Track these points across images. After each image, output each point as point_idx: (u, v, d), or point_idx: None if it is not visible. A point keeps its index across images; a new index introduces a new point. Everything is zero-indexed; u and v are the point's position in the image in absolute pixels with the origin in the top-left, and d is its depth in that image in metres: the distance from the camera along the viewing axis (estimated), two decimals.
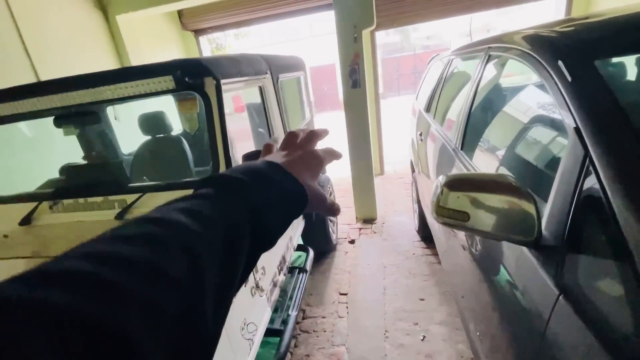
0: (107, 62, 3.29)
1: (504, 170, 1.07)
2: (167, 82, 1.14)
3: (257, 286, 1.47)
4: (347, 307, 2.23)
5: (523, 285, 0.78)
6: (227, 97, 1.33)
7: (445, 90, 2.16)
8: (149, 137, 2.13)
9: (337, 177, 4.53)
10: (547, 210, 0.74)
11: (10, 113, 1.39)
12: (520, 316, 0.78)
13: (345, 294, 2.36)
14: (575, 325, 0.59)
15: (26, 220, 1.43)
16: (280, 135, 2.01)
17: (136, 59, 3.47)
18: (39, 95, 1.30)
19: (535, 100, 1.07)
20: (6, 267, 1.21)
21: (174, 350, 0.21)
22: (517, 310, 0.79)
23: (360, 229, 3.26)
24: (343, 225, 3.34)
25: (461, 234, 1.25)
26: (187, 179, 1.56)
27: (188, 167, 1.91)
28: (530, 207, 0.69)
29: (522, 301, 0.77)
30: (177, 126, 2.48)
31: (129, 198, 1.36)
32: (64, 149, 2.04)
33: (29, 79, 2.52)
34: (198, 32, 4.72)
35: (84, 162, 1.83)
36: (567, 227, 0.66)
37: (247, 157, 1.26)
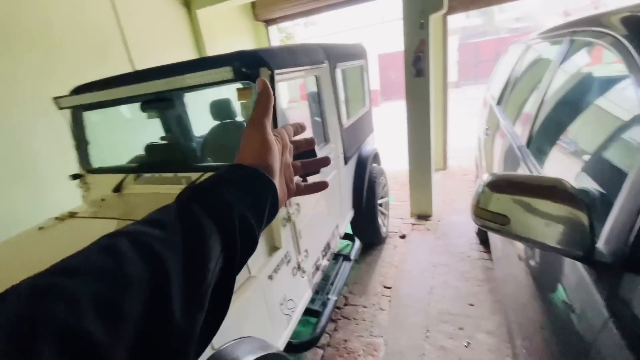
0: (188, 53, 3.67)
1: (570, 176, 0.95)
2: (227, 72, 1.24)
3: (299, 267, 1.55)
4: (389, 301, 2.21)
5: (574, 303, 0.69)
6: (285, 86, 1.40)
7: (518, 80, 1.94)
8: (217, 122, 2.34)
9: (395, 169, 4.41)
10: (609, 223, 0.64)
11: (103, 99, 1.66)
12: (567, 335, 0.71)
13: (389, 288, 2.33)
14: (621, 356, 0.52)
15: (117, 188, 1.72)
16: (332, 126, 2.04)
17: (212, 50, 3.79)
18: (123, 84, 1.53)
19: (624, 96, 0.91)
20: (100, 226, 1.48)
21: (140, 347, 0.22)
22: (565, 328, 0.71)
23: (413, 224, 3.15)
24: (395, 219, 3.27)
25: (519, 243, 1.15)
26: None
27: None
28: (583, 218, 0.61)
29: (572, 319, 0.69)
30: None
31: (195, 176, 1.53)
32: (153, 129, 2.37)
33: (127, 68, 2.94)
34: (269, 22, 4.93)
35: (161, 142, 2.10)
36: (630, 245, 0.57)
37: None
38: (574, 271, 0.70)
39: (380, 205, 2.85)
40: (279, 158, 0.42)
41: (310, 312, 1.71)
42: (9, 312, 0.18)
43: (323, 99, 1.90)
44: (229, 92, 2.30)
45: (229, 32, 4.20)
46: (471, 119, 6.76)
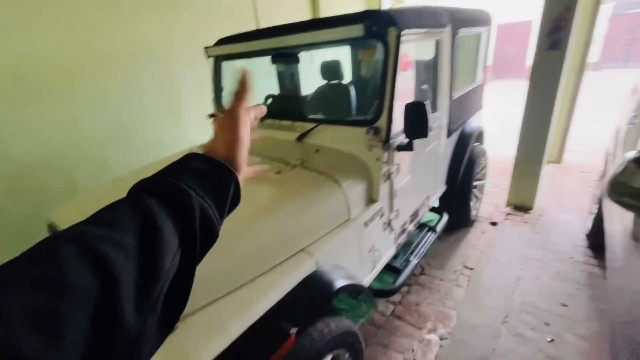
0: (304, 15, 3.85)
1: None
2: (357, 30, 1.32)
3: (389, 224, 1.66)
4: (468, 281, 2.19)
5: None
6: (406, 48, 1.43)
7: None
8: (324, 82, 2.49)
9: (495, 154, 4.04)
10: None
11: (238, 52, 1.93)
12: None
13: (471, 269, 2.29)
14: None
15: None
16: (443, 95, 1.98)
17: (326, 13, 3.90)
18: (261, 38, 1.75)
19: None
20: None
21: (89, 355, 0.21)
22: None
23: (508, 214, 2.93)
24: (488, 206, 3.08)
25: None
26: (349, 119, 1.80)
27: (350, 110, 2.17)
28: None
29: None
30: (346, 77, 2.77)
31: (307, 126, 1.72)
32: (269, 83, 2.66)
33: (252, 26, 3.27)
34: None
35: (282, 93, 2.36)
36: None
37: (408, 107, 1.36)
38: None
39: (475, 187, 2.71)
40: (248, 144, 0.44)
41: (390, 268, 1.83)
42: None
43: (439, 65, 1.86)
44: (339, 55, 2.41)
45: None
46: (606, 110, 5.59)
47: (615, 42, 11.99)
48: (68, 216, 1.35)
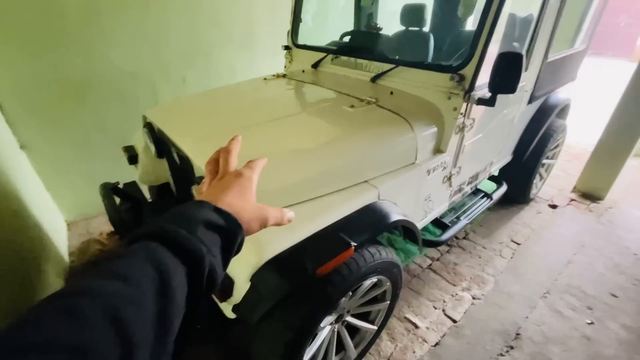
0: None
1: None
2: None
3: (449, 178, 1.65)
4: (513, 254, 2.16)
5: None
6: None
7: None
8: (402, 28, 2.34)
9: (574, 138, 3.65)
10: None
11: None
12: None
13: (518, 244, 2.25)
14: None
15: (315, 65, 2.04)
16: (537, 55, 1.80)
17: None
18: None
19: None
20: (301, 86, 1.85)
21: None
22: None
23: (572, 199, 2.75)
24: (550, 188, 2.89)
25: None
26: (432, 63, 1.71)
27: (428, 58, 2.05)
28: None
29: None
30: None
31: (385, 67, 1.68)
32: (345, 22, 2.58)
33: None
34: None
35: (362, 30, 2.29)
36: None
37: (502, 56, 1.27)
38: None
39: (543, 165, 2.54)
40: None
41: (438, 223, 1.86)
42: None
43: (542, 18, 1.66)
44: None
45: None
46: None
47: None
48: (161, 116, 1.52)
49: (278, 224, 0.46)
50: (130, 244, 0.33)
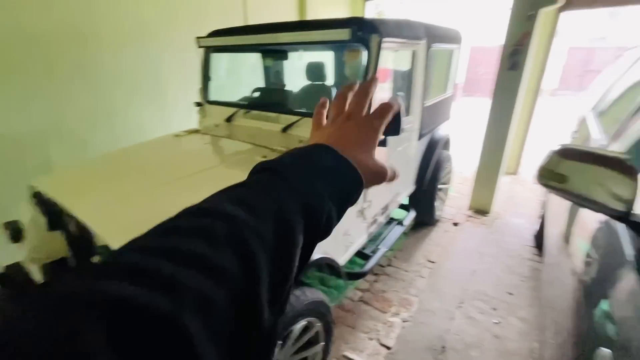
0: (291, 16, 3.99)
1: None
2: (345, 33, 1.47)
3: (362, 212, 1.82)
4: (430, 272, 2.39)
5: (615, 313, 0.76)
6: (386, 55, 1.61)
7: (620, 87, 1.88)
8: (308, 83, 2.63)
9: (462, 164, 4.37)
10: None
11: (230, 44, 2.02)
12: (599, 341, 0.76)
13: (433, 262, 2.51)
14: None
15: (229, 119, 2.12)
16: (416, 101, 2.19)
17: (312, 16, 4.07)
18: (254, 33, 1.86)
19: None
20: (215, 141, 1.89)
21: (229, 343, 0.21)
22: (600, 336, 0.77)
23: (468, 216, 3.21)
24: (451, 208, 3.34)
25: (577, 258, 1.20)
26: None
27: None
28: (632, 186, 0.75)
29: (612, 332, 0.73)
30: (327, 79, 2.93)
31: (292, 119, 1.84)
32: (255, 78, 2.76)
33: (240, 22, 3.36)
34: None
35: (270, 87, 2.47)
36: None
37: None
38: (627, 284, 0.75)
39: (440, 189, 2.96)
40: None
41: (361, 256, 1.99)
42: (104, 289, 0.17)
43: (414, 74, 2.06)
44: (323, 57, 2.57)
45: (330, 2, 4.42)
46: (559, 131, 6.19)
47: (572, 73, 13.23)
48: (54, 185, 1.38)
49: (390, 182, 0.43)
50: (253, 175, 0.33)
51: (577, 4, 3.40)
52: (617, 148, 1.30)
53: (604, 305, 0.90)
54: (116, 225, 1.04)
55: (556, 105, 10.39)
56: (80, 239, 1.21)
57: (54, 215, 1.31)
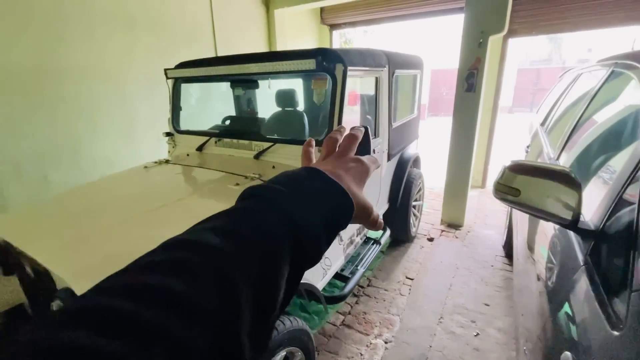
0: (260, 46, 4.11)
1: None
2: (310, 63, 1.55)
3: (338, 234, 1.83)
4: (409, 289, 2.41)
5: (576, 315, 0.80)
6: (352, 82, 1.69)
7: (562, 104, 2.07)
8: (279, 109, 2.69)
9: (433, 180, 4.54)
10: (594, 204, 0.85)
11: (199, 75, 2.05)
12: (563, 338, 0.81)
13: (412, 279, 2.54)
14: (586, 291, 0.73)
15: (200, 148, 2.11)
16: (383, 124, 2.29)
17: (281, 46, 4.21)
18: (221, 64, 1.90)
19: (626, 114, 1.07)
20: (187, 170, 1.87)
21: None
22: (562, 332, 0.83)
23: (442, 230, 3.31)
24: (425, 224, 3.43)
25: (541, 265, 1.29)
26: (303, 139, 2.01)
27: (303, 133, 2.38)
28: (576, 196, 0.83)
29: (573, 333, 0.77)
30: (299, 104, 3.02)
31: (265, 145, 1.87)
32: (225, 107, 2.79)
33: (211, 53, 3.42)
34: (333, 27, 5.29)
35: (240, 115, 2.49)
36: (605, 220, 0.79)
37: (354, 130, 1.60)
38: (586, 292, 0.81)
39: (414, 207, 3.04)
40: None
41: (339, 278, 1.98)
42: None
43: (379, 98, 2.17)
44: (293, 84, 2.66)
45: (298, 32, 4.62)
46: (518, 145, 6.66)
47: (524, 91, 14.40)
48: (7, 227, 1.29)
49: (373, 225, 0.41)
50: (241, 201, 0.31)
51: (519, 32, 3.78)
52: (565, 161, 1.43)
53: (566, 308, 0.95)
54: (79, 266, 0.99)
55: (513, 121, 11.19)
56: (39, 283, 1.13)
57: (10, 258, 1.22)
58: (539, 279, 1.28)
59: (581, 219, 0.84)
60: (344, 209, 0.34)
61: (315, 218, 0.30)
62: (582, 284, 0.79)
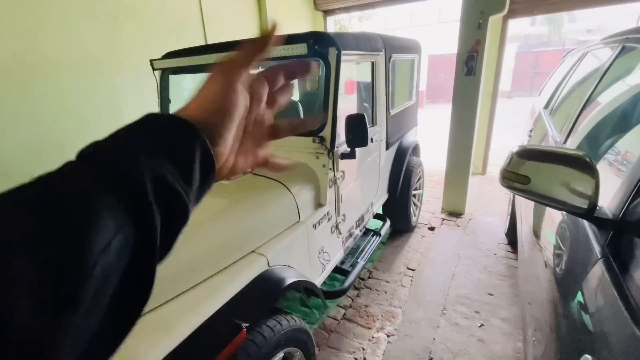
0: (252, 34, 3.98)
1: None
2: (302, 48, 1.46)
3: (337, 227, 1.77)
4: (411, 280, 2.37)
5: (589, 304, 0.75)
6: (347, 68, 1.60)
7: (567, 85, 1.99)
8: None
9: (431, 168, 4.47)
10: (612, 191, 0.78)
11: (187, 65, 1.96)
12: (575, 329, 0.77)
13: (413, 270, 2.49)
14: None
15: None
16: (380, 111, 2.20)
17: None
18: (208, 53, 1.81)
19: None
20: None
21: None
22: (575, 325, 0.78)
23: (443, 219, 3.25)
24: (426, 213, 3.38)
25: (548, 251, 1.23)
26: None
27: None
28: (592, 183, 0.75)
29: (588, 324, 0.72)
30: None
31: None
32: None
33: (201, 42, 3.29)
34: (327, 13, 5.13)
35: None
36: (624, 208, 0.72)
37: (349, 118, 1.50)
38: (601, 280, 0.75)
39: (414, 196, 2.98)
40: (240, 113, 0.32)
41: (339, 272, 1.93)
42: None
43: (376, 84, 2.08)
44: None
45: (291, 18, 4.47)
46: (518, 130, 6.56)
47: (523, 75, 14.19)
48: None
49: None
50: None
51: (520, 12, 3.65)
52: (573, 144, 1.35)
53: (579, 297, 0.89)
54: None
55: (513, 105, 11.05)
56: None
57: None
58: (546, 266, 1.22)
59: (598, 207, 0.77)
60: (183, 134, 0.28)
61: (148, 159, 0.25)
62: (600, 277, 0.73)
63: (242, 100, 0.32)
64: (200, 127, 0.29)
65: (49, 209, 0.21)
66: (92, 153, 0.25)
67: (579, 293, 0.86)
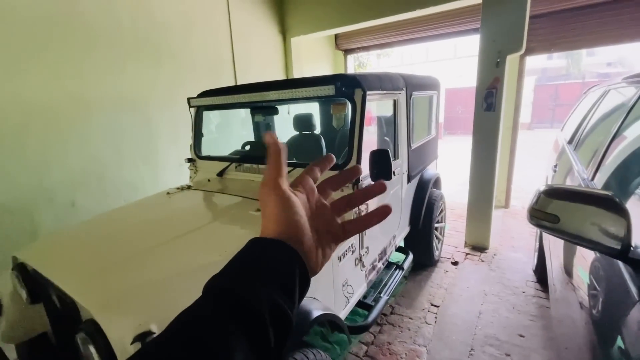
0: (277, 72, 4.25)
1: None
2: (330, 89, 1.57)
3: (360, 260, 1.77)
4: (435, 317, 2.29)
5: (629, 349, 0.73)
6: (369, 106, 1.69)
7: (592, 120, 2.00)
8: (297, 133, 2.72)
9: (452, 200, 4.42)
10: None
11: (219, 103, 2.11)
12: None
13: (437, 306, 2.41)
14: None
15: (221, 173, 2.14)
16: (402, 145, 2.27)
17: (298, 73, 4.34)
18: (242, 92, 1.96)
19: None
20: (208, 196, 1.89)
21: None
22: None
23: (467, 254, 3.17)
24: (449, 247, 3.31)
25: (582, 291, 1.19)
26: None
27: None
28: (624, 223, 0.76)
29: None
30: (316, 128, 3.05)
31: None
32: (244, 133, 2.85)
33: (231, 82, 3.55)
34: (347, 52, 5.42)
35: (256, 141, 2.53)
36: None
37: (373, 153, 1.57)
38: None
39: (436, 229, 2.95)
40: (304, 211, 0.37)
41: (362, 306, 1.90)
42: None
43: (397, 120, 2.16)
44: (310, 108, 2.70)
45: (313, 58, 4.75)
46: (540, 162, 6.43)
47: (543, 107, 14.11)
48: (37, 255, 1.32)
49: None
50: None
51: (537, 50, 3.74)
52: (601, 180, 1.35)
53: (619, 342, 0.86)
54: (105, 297, 0.98)
55: (533, 137, 10.91)
56: (64, 312, 1.14)
57: (37, 287, 1.24)
58: (582, 307, 1.17)
59: (632, 247, 0.77)
60: (290, 263, 0.33)
61: (265, 296, 0.30)
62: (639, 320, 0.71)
63: (295, 200, 0.37)
64: (291, 244, 0.34)
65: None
66: (217, 290, 0.32)
67: (619, 338, 0.84)
